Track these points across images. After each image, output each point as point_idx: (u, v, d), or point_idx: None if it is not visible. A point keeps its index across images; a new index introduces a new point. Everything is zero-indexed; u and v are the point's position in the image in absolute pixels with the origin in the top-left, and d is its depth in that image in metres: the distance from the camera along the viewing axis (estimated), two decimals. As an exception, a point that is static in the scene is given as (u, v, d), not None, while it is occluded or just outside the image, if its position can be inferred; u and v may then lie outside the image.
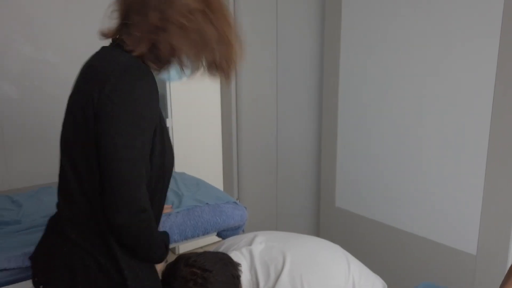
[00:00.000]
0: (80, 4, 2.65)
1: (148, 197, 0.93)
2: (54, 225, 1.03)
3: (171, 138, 1.26)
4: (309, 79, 2.34)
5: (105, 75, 0.89)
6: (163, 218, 1.65)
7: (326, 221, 2.28)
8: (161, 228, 1.61)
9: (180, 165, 2.54)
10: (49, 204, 1.74)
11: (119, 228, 0.89)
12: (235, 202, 1.88)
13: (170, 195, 1.84)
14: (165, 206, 1.41)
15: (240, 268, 1.21)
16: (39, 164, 2.60)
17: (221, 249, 1.36)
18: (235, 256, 1.25)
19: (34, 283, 1.03)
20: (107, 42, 1.14)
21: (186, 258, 1.17)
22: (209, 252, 1.25)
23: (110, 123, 0.87)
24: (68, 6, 2.61)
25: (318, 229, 2.36)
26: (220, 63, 0.97)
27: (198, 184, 2.04)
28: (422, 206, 1.80)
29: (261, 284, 1.22)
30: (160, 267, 1.15)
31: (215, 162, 3.04)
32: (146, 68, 0.94)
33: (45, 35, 2.55)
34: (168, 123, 2.74)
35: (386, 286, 1.38)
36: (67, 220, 0.98)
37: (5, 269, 1.35)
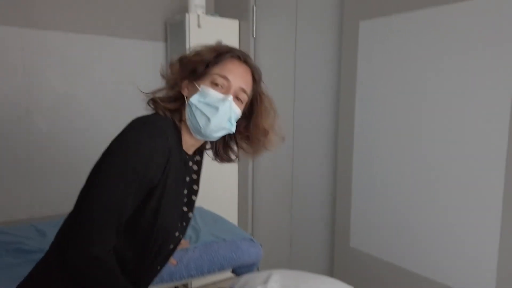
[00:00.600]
0: (110, 46, 2.83)
1: (114, 250, 0.92)
2: None
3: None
4: (325, 119, 2.40)
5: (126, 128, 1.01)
6: (180, 253, 1.70)
7: (341, 261, 2.27)
8: (178, 263, 1.66)
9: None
10: (72, 234, 1.80)
11: (65, 263, 0.88)
12: (251, 239, 1.91)
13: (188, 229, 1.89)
14: (182, 241, 1.45)
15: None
16: (63, 194, 2.70)
17: (236, 287, 1.39)
18: (250, 294, 1.27)
19: None
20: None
21: None
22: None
23: (102, 160, 0.95)
24: (100, 47, 2.78)
25: (333, 269, 2.35)
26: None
27: (215, 219, 2.09)
28: (439, 249, 1.80)
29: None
30: None
31: (230, 197, 3.09)
32: (164, 129, 1.00)
33: (77, 73, 2.72)
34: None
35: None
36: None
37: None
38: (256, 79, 1.13)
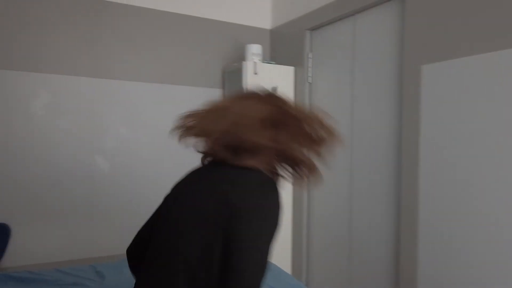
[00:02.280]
0: (170, 93, 2.97)
1: None
2: None
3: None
4: (386, 164, 2.30)
5: (247, 183, 0.98)
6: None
7: (405, 320, 2.08)
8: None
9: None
10: (129, 277, 1.82)
11: None
12: (308, 291, 1.81)
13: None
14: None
15: None
16: (122, 234, 2.77)
17: None
18: None
19: None
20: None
21: None
22: None
23: (249, 235, 0.91)
24: (159, 94, 2.93)
25: (396, 329, 2.16)
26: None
27: (270, 269, 2.01)
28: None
29: None
30: None
31: (283, 238, 3.01)
32: (274, 183, 1.02)
33: (139, 118, 2.86)
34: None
35: None
36: None
37: None
38: None
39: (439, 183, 1.94)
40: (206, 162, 1.14)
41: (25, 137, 2.53)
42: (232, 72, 3.01)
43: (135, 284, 1.05)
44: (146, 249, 1.08)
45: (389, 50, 2.29)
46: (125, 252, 2.72)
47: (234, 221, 0.91)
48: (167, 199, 1.11)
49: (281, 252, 2.98)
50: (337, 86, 2.68)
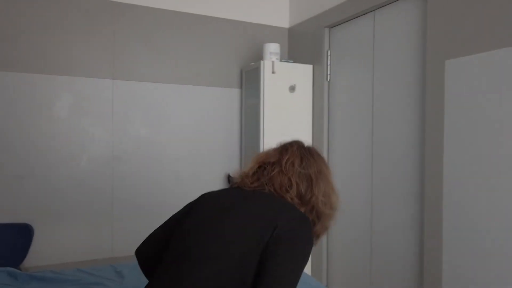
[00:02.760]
0: (190, 93, 2.97)
1: None
2: None
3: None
4: (408, 163, 2.24)
5: (291, 211, 1.06)
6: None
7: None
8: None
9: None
10: (148, 278, 1.82)
11: None
12: (328, 293, 1.77)
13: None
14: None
15: None
16: (142, 235, 2.78)
17: None
18: None
19: None
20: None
21: None
22: None
23: (286, 255, 0.96)
24: (179, 95, 2.94)
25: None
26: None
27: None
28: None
29: None
30: None
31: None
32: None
33: (158, 120, 2.88)
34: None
35: None
36: None
37: None
38: None
39: (464, 181, 1.87)
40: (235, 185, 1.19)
41: (49, 138, 2.57)
42: (250, 72, 2.99)
43: (152, 282, 1.05)
44: (161, 250, 1.10)
45: (411, 45, 2.23)
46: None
47: (277, 243, 0.96)
48: (197, 207, 1.14)
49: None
50: (357, 84, 2.63)
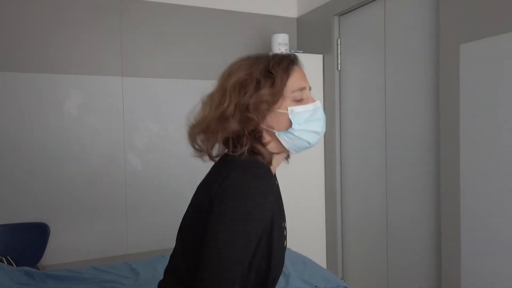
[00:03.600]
0: (195, 87, 2.94)
1: None
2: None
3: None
4: (423, 153, 2.19)
5: (228, 170, 0.91)
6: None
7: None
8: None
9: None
10: (162, 274, 1.81)
11: None
12: (345, 287, 1.75)
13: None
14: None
15: None
16: (155, 231, 2.79)
17: None
18: None
19: None
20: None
21: None
22: None
23: (217, 217, 0.86)
24: (185, 89, 2.92)
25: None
26: None
27: (305, 262, 1.96)
28: None
29: None
30: None
31: (317, 234, 2.94)
32: (266, 165, 0.93)
33: (168, 116, 2.86)
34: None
35: None
36: None
37: None
38: None
39: (482, 174, 1.81)
40: None
41: (60, 137, 2.58)
42: (259, 64, 2.94)
43: None
44: None
45: (423, 31, 2.16)
46: (158, 248, 2.74)
47: (210, 210, 0.88)
48: None
49: (315, 249, 2.92)
50: (369, 73, 2.57)
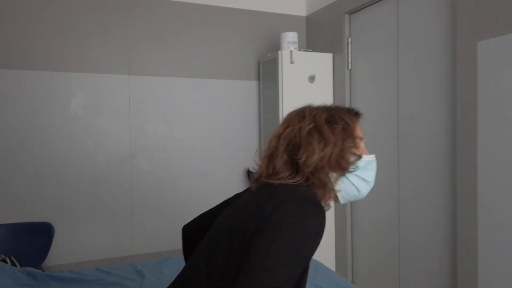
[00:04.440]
0: (206, 87, 2.91)
1: None
2: None
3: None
4: (437, 153, 2.12)
5: (285, 197, 0.89)
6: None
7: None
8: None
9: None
10: (169, 277, 1.76)
11: None
12: (357, 292, 1.68)
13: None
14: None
15: None
16: (161, 232, 2.74)
17: None
18: None
19: None
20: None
21: None
22: None
23: (267, 242, 0.82)
24: (195, 89, 2.87)
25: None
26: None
27: (316, 267, 1.90)
28: None
29: None
30: None
31: (325, 236, 2.88)
32: (323, 209, 0.92)
33: (174, 116, 2.82)
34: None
35: None
36: None
37: None
38: None
39: (501, 177, 1.74)
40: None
41: (66, 137, 2.54)
42: (268, 63, 2.90)
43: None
44: (203, 231, 1.06)
45: (438, 29, 2.09)
46: (163, 249, 2.69)
47: (258, 233, 0.84)
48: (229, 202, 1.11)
49: (324, 251, 2.85)
50: (380, 72, 2.51)
